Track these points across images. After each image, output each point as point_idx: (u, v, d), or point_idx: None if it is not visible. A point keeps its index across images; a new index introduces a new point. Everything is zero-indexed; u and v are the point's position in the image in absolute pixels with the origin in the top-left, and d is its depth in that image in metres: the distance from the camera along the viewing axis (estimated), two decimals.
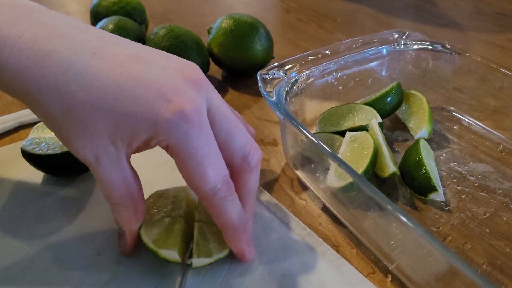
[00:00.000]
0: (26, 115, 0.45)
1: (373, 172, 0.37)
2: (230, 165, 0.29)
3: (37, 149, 0.35)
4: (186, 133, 0.25)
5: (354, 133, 0.39)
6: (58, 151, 0.35)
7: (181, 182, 0.29)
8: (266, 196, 0.36)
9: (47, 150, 0.35)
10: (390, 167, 0.37)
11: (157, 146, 0.26)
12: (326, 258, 0.32)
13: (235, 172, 0.29)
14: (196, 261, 0.29)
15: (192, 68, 0.28)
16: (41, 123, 0.38)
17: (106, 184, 0.26)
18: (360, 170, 0.35)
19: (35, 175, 0.37)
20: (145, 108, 0.24)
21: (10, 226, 0.33)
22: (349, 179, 0.32)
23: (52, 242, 0.32)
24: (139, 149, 0.27)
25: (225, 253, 0.30)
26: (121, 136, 0.25)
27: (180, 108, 0.25)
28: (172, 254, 0.28)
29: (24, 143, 0.36)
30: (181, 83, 0.26)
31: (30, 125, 0.45)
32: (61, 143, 0.35)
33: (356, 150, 0.37)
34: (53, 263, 0.30)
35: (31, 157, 0.35)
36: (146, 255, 0.31)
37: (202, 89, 0.27)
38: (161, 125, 0.25)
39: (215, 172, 0.26)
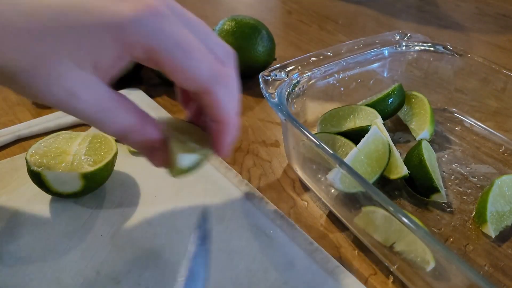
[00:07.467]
0: (24, 128, 0.44)
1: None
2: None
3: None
4: (161, 26, 0.22)
5: (377, 132, 0.38)
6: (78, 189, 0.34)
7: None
8: (271, 208, 0.36)
9: (66, 188, 0.33)
10: (403, 169, 0.37)
11: (134, 60, 0.23)
12: (335, 276, 0.30)
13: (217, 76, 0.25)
14: (181, 156, 0.26)
15: None
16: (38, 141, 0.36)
17: (93, 117, 0.22)
18: (374, 176, 0.36)
19: (32, 190, 0.36)
20: (105, 15, 0.21)
21: (6, 243, 0.32)
22: (350, 179, 0.32)
23: (50, 260, 0.31)
24: (113, 69, 0.23)
25: (207, 150, 0.28)
26: (86, 56, 0.21)
27: (144, 3, 0.22)
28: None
29: (32, 167, 0.33)
30: None
31: (28, 138, 0.43)
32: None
33: (372, 153, 0.37)
34: (51, 282, 0.29)
35: (41, 183, 0.33)
36: (148, 273, 0.30)
37: None
38: (129, 27, 0.21)
39: (207, 58, 0.23)
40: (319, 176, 0.37)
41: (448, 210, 0.37)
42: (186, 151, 0.27)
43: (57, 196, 0.35)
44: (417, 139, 0.44)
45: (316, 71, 0.43)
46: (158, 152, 0.27)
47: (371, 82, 0.49)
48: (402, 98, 0.45)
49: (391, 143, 0.38)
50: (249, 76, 0.55)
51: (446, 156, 0.43)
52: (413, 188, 0.38)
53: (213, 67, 0.24)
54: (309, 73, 0.42)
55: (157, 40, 0.22)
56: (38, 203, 0.35)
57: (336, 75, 0.45)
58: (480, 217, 0.35)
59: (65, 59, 0.21)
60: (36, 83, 0.21)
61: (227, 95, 0.25)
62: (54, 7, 0.21)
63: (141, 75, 0.56)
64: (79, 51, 0.21)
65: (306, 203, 0.38)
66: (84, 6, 0.21)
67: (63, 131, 0.38)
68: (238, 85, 0.27)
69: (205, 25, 0.26)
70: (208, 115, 0.26)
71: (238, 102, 0.27)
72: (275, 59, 0.55)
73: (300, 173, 0.39)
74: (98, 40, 0.21)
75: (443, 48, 0.47)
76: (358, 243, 0.34)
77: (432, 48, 0.47)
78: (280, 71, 0.40)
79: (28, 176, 0.34)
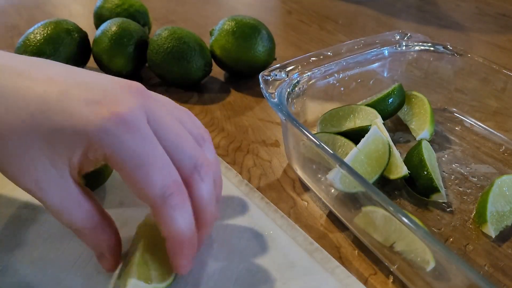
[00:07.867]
0: None
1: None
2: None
3: None
4: (122, 138, 0.23)
5: (377, 133, 0.38)
6: None
7: None
8: (271, 208, 0.36)
9: None
10: (403, 168, 0.37)
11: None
12: (335, 276, 0.30)
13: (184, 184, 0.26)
14: (134, 282, 0.26)
15: (132, 81, 0.26)
16: None
17: (55, 210, 0.24)
18: (374, 176, 0.36)
19: None
20: (74, 119, 0.23)
21: (6, 242, 0.32)
22: (350, 179, 0.32)
23: (50, 260, 0.31)
24: (82, 166, 0.24)
25: (166, 283, 0.28)
26: (59, 154, 0.23)
27: (113, 111, 0.23)
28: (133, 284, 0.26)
29: None
30: (115, 88, 0.25)
31: None
32: None
33: (372, 153, 0.37)
34: (52, 282, 0.29)
35: None
36: None
37: (141, 96, 0.25)
38: (93, 134, 0.23)
39: (162, 175, 0.24)
40: (319, 176, 0.37)
41: (448, 210, 0.37)
42: (141, 278, 0.26)
43: None
44: (417, 139, 0.44)
45: (316, 71, 0.43)
46: (109, 257, 0.27)
47: (371, 82, 0.49)
48: (402, 98, 0.45)
49: (391, 143, 0.38)
50: (249, 76, 0.55)
51: (446, 156, 0.43)
52: (413, 188, 0.38)
53: (167, 185, 0.24)
54: (309, 73, 0.42)
55: (114, 149, 0.23)
56: (38, 203, 0.34)
57: (336, 75, 0.45)
58: (480, 217, 0.35)
59: (38, 153, 0.23)
60: (9, 172, 0.24)
61: (179, 214, 0.25)
62: (37, 107, 0.23)
63: (141, 75, 0.56)
64: (53, 150, 0.23)
65: (306, 203, 0.38)
66: (61, 107, 0.23)
67: None
68: (206, 197, 0.27)
69: (179, 130, 0.26)
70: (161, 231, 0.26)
71: (205, 215, 0.27)
72: (275, 59, 0.55)
73: (300, 173, 0.39)
74: (70, 141, 0.23)
75: (443, 48, 0.47)
76: (358, 243, 0.34)
77: (432, 48, 0.47)
78: (280, 71, 0.40)
79: None
